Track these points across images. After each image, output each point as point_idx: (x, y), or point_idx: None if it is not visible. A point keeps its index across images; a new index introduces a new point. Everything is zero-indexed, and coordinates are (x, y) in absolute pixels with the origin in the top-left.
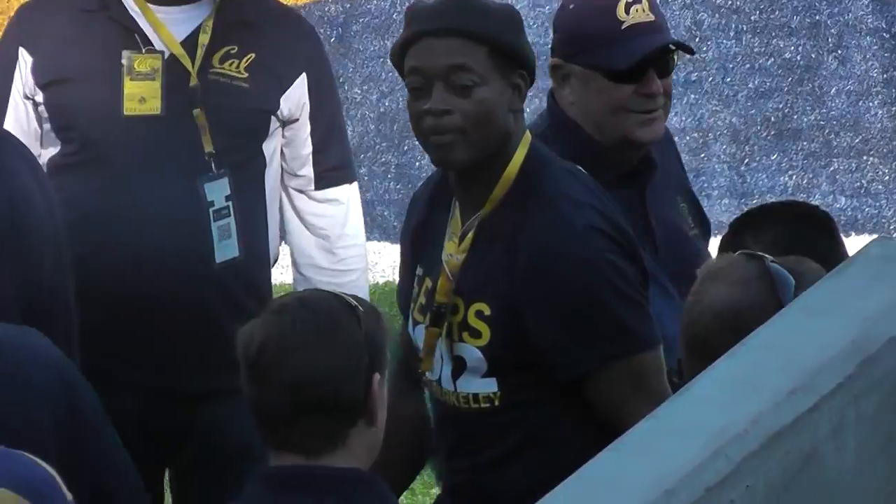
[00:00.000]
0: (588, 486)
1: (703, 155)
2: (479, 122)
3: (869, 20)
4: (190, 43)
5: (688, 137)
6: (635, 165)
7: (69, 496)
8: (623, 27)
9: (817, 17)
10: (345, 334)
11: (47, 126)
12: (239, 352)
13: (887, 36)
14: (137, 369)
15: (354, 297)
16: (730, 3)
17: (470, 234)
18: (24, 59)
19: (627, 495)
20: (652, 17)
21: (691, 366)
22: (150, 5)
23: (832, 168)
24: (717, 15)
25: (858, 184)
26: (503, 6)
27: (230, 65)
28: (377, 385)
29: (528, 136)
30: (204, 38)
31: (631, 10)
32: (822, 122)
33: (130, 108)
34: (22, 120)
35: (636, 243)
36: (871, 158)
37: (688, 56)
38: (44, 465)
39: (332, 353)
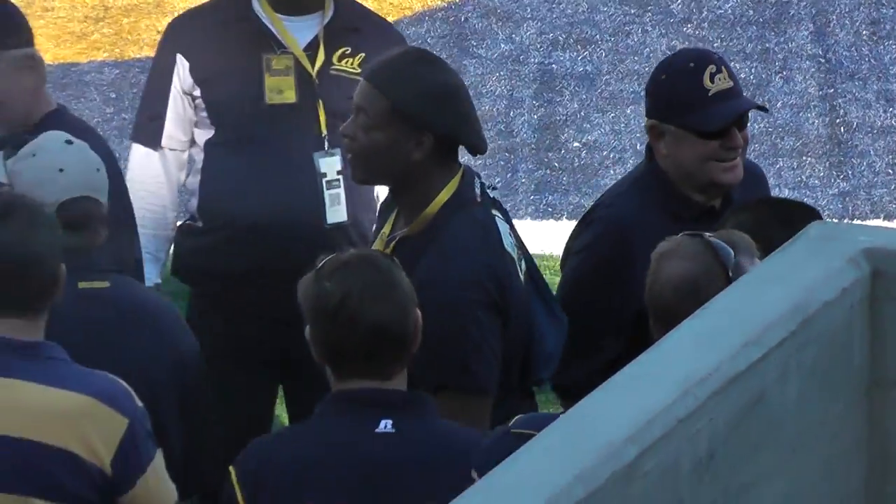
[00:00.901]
0: (583, 418)
1: None
2: (367, 155)
3: (808, 47)
4: (312, 46)
5: None
6: (714, 205)
7: (140, 405)
8: (710, 94)
9: (767, 45)
10: (399, 282)
11: (203, 114)
12: (313, 304)
13: (823, 60)
14: (262, 303)
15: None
16: (697, 32)
17: (392, 245)
18: (182, 63)
19: (616, 425)
20: (731, 84)
21: (659, 333)
22: (278, 15)
23: (778, 166)
24: (687, 42)
25: (799, 179)
26: (440, 82)
27: (346, 62)
28: (418, 318)
29: (454, 182)
30: (321, 43)
31: (715, 79)
32: (770, 129)
33: (271, 98)
34: (180, 111)
35: (510, 293)
36: (809, 158)
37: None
38: (121, 381)
39: (399, 297)
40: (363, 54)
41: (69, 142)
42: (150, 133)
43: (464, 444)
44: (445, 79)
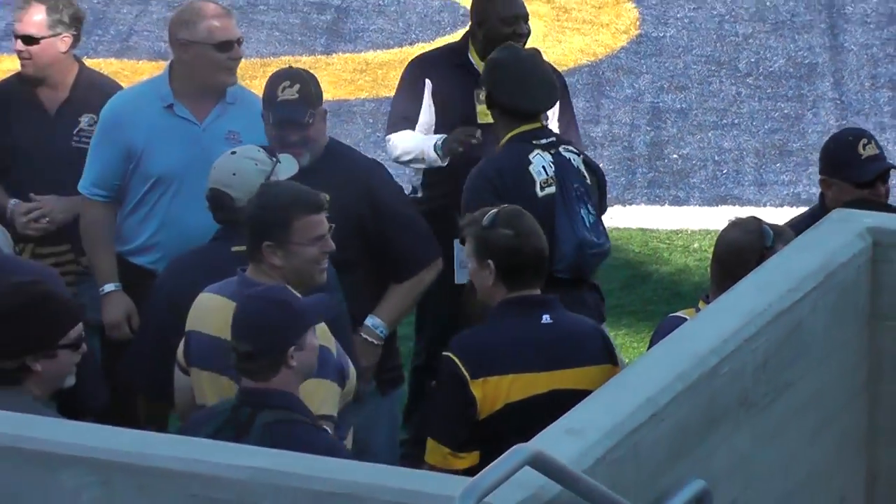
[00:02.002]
0: (681, 337)
1: (741, 162)
2: None
3: (829, 93)
4: None
5: (734, 154)
6: None
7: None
8: (862, 157)
9: (802, 91)
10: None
11: (437, 120)
12: (495, 244)
13: (839, 102)
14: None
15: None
16: (755, 83)
17: None
18: (428, 86)
19: (703, 342)
20: (877, 152)
21: (716, 275)
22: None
23: (808, 172)
24: (748, 90)
25: None
26: (495, 58)
27: None
28: None
29: (518, 130)
30: None
31: (866, 148)
32: (803, 148)
33: (481, 118)
34: (425, 117)
35: (515, 191)
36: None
37: (733, 109)
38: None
39: (542, 232)
40: None
41: (233, 152)
42: (404, 129)
43: (587, 325)
44: (501, 56)
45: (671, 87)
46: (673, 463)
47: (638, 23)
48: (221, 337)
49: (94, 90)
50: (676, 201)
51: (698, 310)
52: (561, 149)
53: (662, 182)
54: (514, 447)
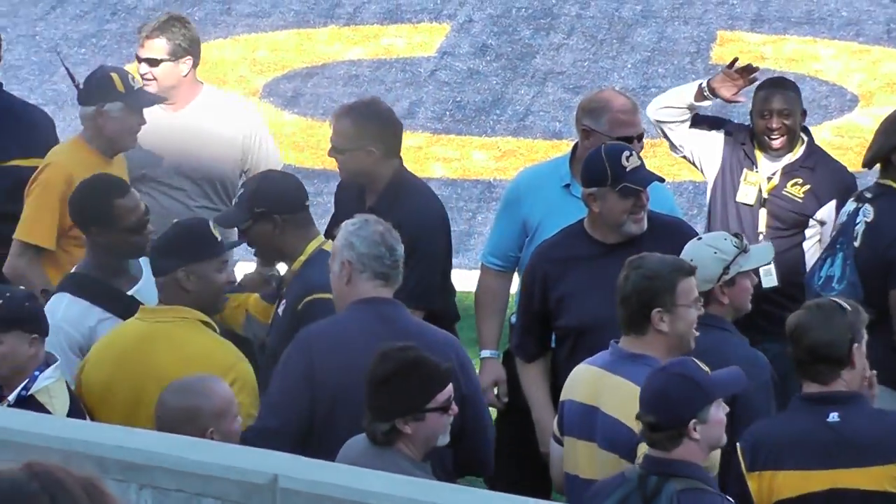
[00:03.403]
0: None
1: None
2: None
3: None
4: (773, 175)
5: None
6: None
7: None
8: None
9: None
10: (835, 317)
11: (718, 181)
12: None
13: None
14: None
15: (845, 300)
16: None
17: None
18: (725, 154)
19: None
20: None
21: None
22: (761, 154)
23: None
24: None
25: None
26: None
27: (795, 189)
28: (856, 350)
29: None
30: (779, 174)
31: None
32: None
33: (742, 198)
34: (712, 170)
35: None
36: None
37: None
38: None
39: (830, 328)
40: (809, 186)
41: (699, 238)
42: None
43: (885, 422)
44: None
45: None
46: None
47: None
48: (591, 404)
49: (398, 202)
50: None
51: None
52: (865, 205)
53: None
54: None
